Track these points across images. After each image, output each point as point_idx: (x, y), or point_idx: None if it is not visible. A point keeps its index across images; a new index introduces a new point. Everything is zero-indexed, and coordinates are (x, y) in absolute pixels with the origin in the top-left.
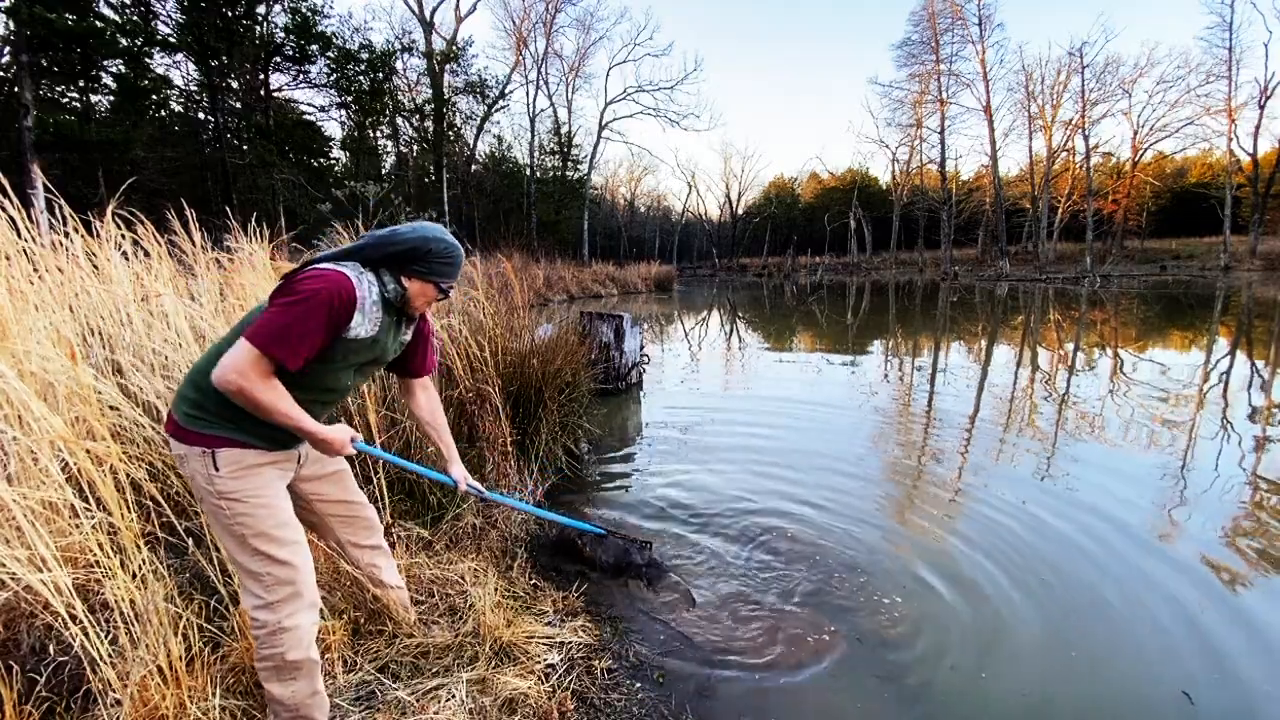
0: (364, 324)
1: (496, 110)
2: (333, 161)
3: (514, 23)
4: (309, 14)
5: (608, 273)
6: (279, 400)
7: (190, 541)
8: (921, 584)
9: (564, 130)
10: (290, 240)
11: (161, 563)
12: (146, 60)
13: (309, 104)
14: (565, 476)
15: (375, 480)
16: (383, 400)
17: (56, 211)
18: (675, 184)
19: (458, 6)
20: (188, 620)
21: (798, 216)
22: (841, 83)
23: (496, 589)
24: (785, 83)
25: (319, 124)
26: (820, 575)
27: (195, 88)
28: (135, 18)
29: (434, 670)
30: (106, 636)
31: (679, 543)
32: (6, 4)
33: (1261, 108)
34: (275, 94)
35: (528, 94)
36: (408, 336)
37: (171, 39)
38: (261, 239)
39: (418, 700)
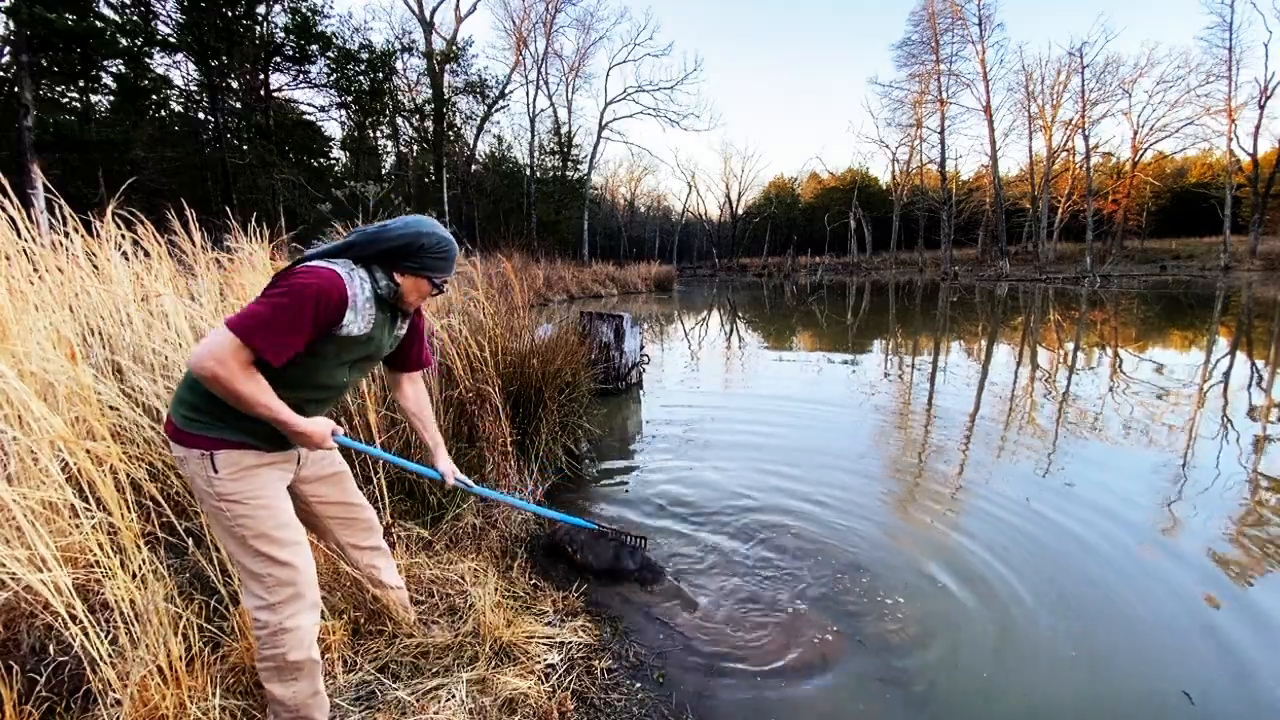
0: (357, 321)
1: (496, 110)
2: (333, 161)
3: (514, 23)
4: (309, 14)
5: (608, 273)
6: (259, 392)
7: (190, 541)
8: (924, 583)
9: (564, 130)
10: (290, 240)
11: (161, 563)
12: (146, 60)
13: (309, 104)
14: (565, 476)
15: (375, 480)
16: (382, 400)
17: (56, 211)
18: (675, 184)
19: (458, 6)
20: (188, 620)
21: (798, 216)
22: (841, 83)
23: (496, 589)
24: (785, 83)
25: (319, 124)
26: (822, 574)
27: (195, 88)
28: (135, 18)
29: (434, 670)
30: (106, 636)
31: (680, 542)
32: (6, 4)
33: (1261, 108)
34: (275, 94)
35: (528, 94)
36: (402, 331)
37: (171, 39)
38: (261, 239)
39: (418, 700)
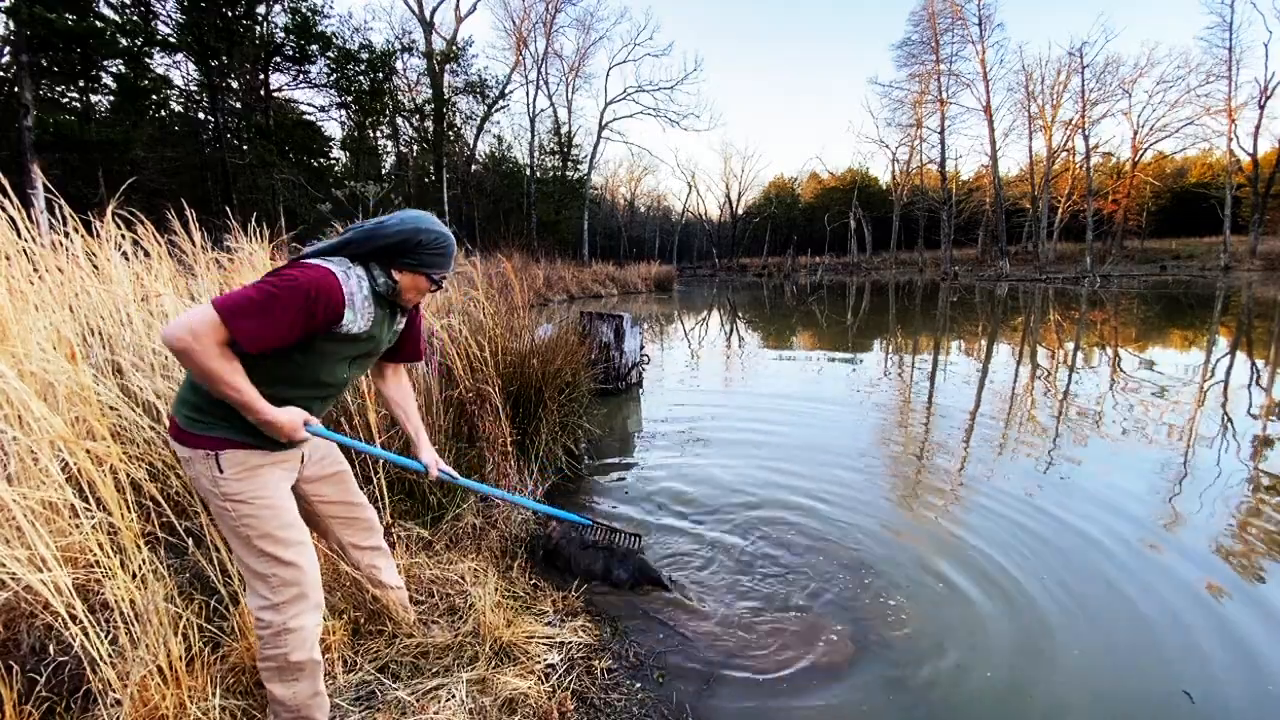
0: (356, 320)
1: (496, 110)
2: (333, 161)
3: (514, 23)
4: (309, 14)
5: (608, 273)
6: (229, 372)
7: (190, 541)
8: (926, 582)
9: (564, 130)
10: (290, 240)
11: (161, 563)
12: (146, 60)
13: (309, 104)
14: (565, 476)
15: (375, 480)
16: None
17: (56, 211)
18: (675, 184)
19: (458, 6)
20: (188, 620)
21: (798, 216)
22: (841, 83)
23: (496, 589)
24: (785, 83)
25: (319, 124)
26: (824, 573)
27: (195, 88)
28: (135, 18)
29: (434, 670)
30: (106, 636)
31: (681, 541)
32: (6, 4)
33: (1261, 108)
34: (275, 94)
35: (528, 94)
36: (401, 326)
37: (171, 39)
38: (261, 239)
39: (418, 700)
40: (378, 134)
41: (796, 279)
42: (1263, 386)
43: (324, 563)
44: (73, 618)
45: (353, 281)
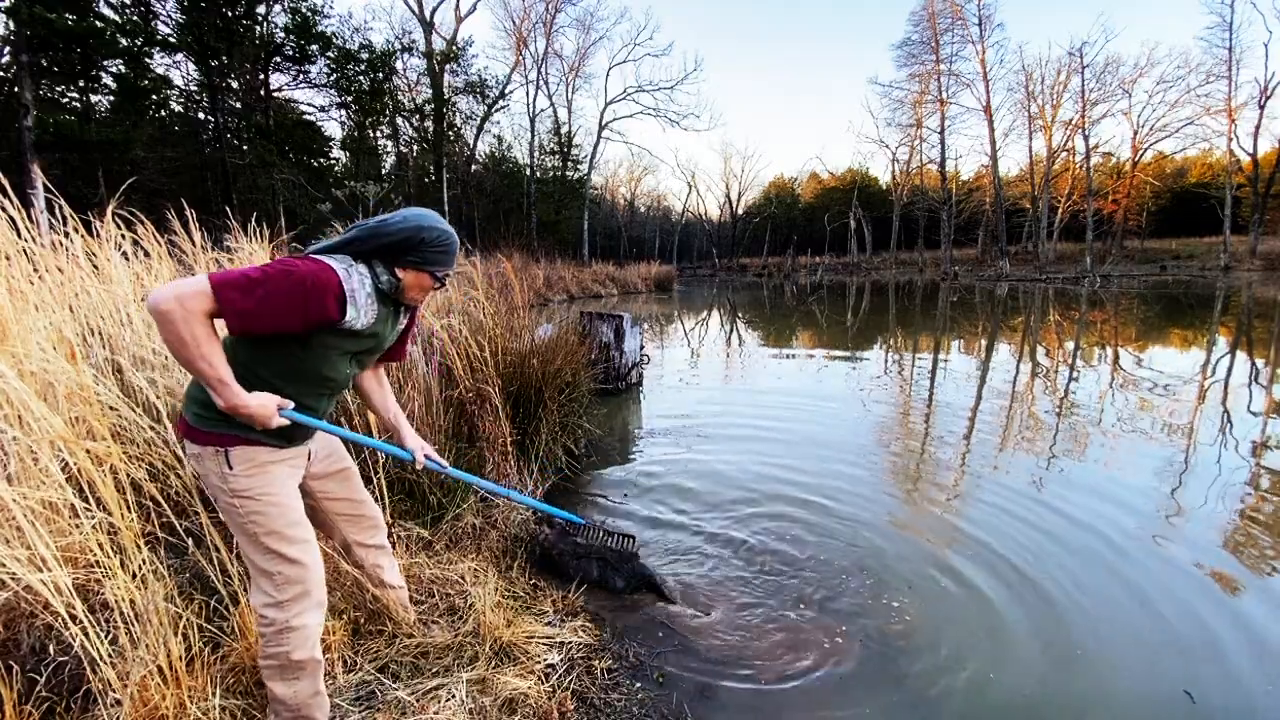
0: (360, 317)
1: (496, 110)
2: (333, 161)
3: (514, 23)
4: (309, 14)
5: (608, 273)
6: (205, 341)
7: (190, 541)
8: (928, 582)
9: (564, 130)
10: (290, 240)
11: (161, 563)
12: (146, 60)
13: (309, 104)
14: (565, 476)
15: (375, 480)
16: None
17: (56, 211)
18: (675, 184)
19: (458, 6)
20: (188, 620)
21: (798, 216)
22: (841, 83)
23: (496, 589)
24: (785, 83)
25: (319, 124)
26: (825, 572)
27: (195, 88)
28: (135, 18)
29: (434, 670)
30: (106, 636)
31: (681, 540)
32: (6, 4)
33: (1261, 108)
34: (275, 94)
35: (528, 94)
36: (403, 325)
37: (171, 39)
38: (261, 239)
39: (418, 700)
40: (378, 134)
41: (796, 279)
42: (1263, 384)
43: (325, 562)
44: (73, 618)
45: (354, 279)
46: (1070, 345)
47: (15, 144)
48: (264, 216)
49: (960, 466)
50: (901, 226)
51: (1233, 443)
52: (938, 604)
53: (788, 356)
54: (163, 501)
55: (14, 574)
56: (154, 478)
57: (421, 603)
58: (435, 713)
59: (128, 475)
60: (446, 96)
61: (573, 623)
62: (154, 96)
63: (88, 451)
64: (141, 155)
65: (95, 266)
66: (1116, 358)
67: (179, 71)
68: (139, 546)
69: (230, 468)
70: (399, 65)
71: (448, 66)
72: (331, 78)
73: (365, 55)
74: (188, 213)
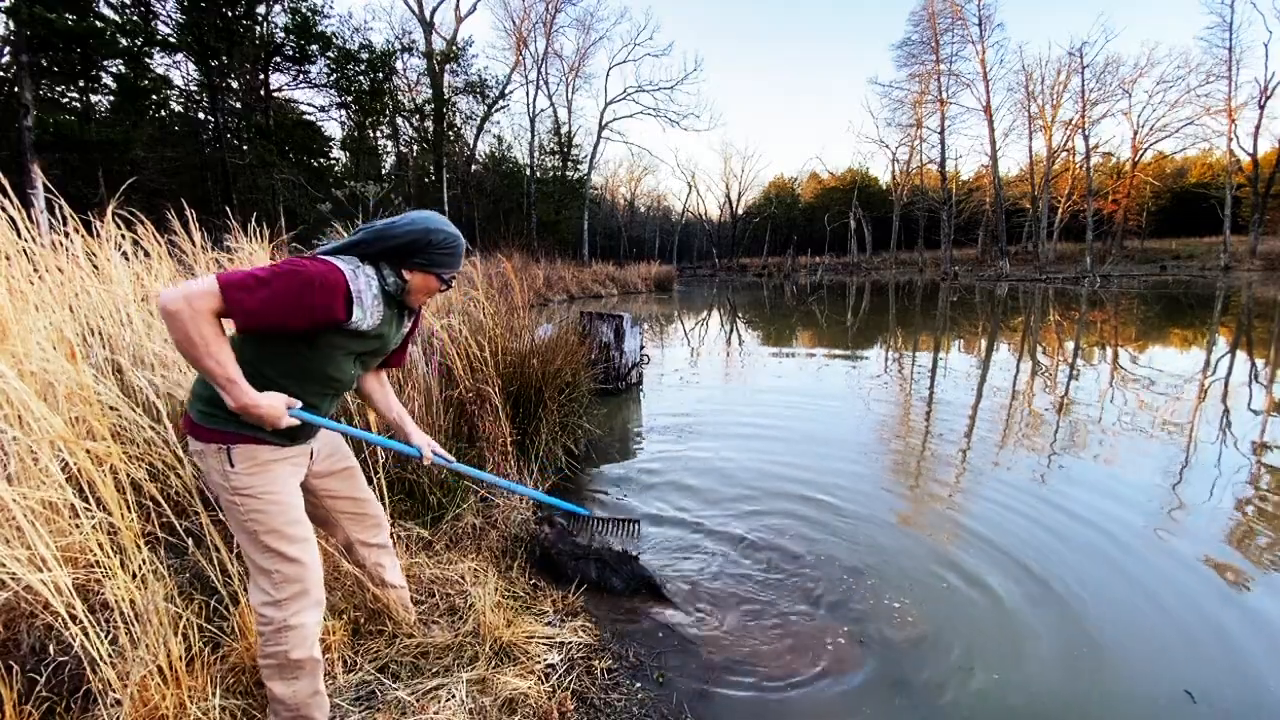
0: (366, 318)
1: (496, 110)
2: (333, 161)
3: (514, 23)
4: (309, 14)
5: (608, 273)
6: (213, 340)
7: (190, 541)
8: (929, 582)
9: (564, 130)
10: (290, 240)
11: (161, 563)
12: (146, 60)
13: (309, 104)
14: (565, 476)
15: (375, 480)
16: None
17: (56, 211)
18: (675, 184)
19: (458, 6)
20: (188, 620)
21: (798, 216)
22: (841, 83)
23: (496, 589)
24: (785, 83)
25: (319, 124)
26: (826, 572)
27: (195, 88)
28: (135, 18)
29: (434, 670)
30: (106, 636)
31: (681, 539)
32: (6, 4)
33: (1261, 108)
34: (275, 94)
35: (528, 94)
36: (407, 327)
37: (171, 39)
38: (261, 239)
39: (418, 700)
40: (378, 134)
41: (796, 279)
42: (1263, 383)
43: (324, 561)
44: (73, 618)
45: (361, 280)
46: (1070, 345)
47: (15, 144)
48: (264, 216)
49: (961, 463)
50: (901, 226)
51: (1236, 444)
52: (940, 604)
53: (788, 356)
54: (163, 501)
55: (14, 574)
56: (154, 478)
57: (422, 603)
58: (435, 713)
59: (128, 475)
60: (446, 96)
61: (573, 623)
62: (154, 96)
63: (88, 451)
64: (141, 155)
65: (95, 266)
66: (1116, 357)
67: (179, 71)
68: (139, 546)
69: (232, 465)
70: (399, 65)
71: (448, 66)
72: (331, 78)
73: (365, 55)
74: (188, 213)
